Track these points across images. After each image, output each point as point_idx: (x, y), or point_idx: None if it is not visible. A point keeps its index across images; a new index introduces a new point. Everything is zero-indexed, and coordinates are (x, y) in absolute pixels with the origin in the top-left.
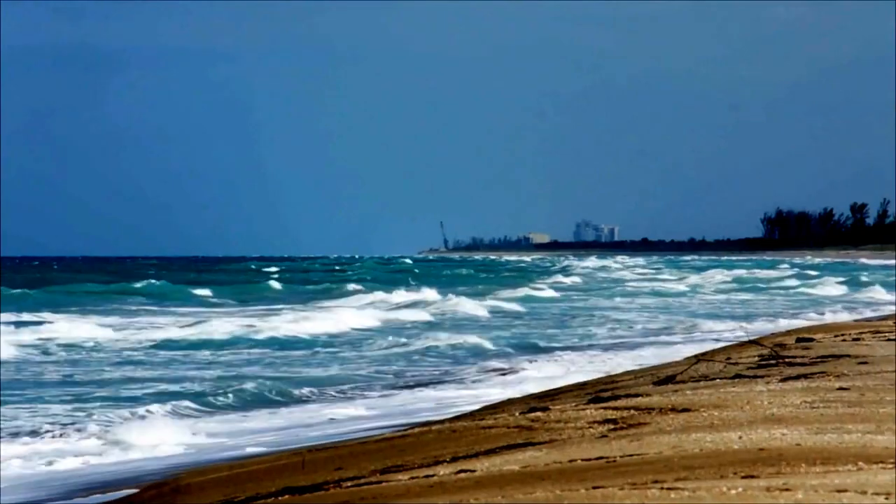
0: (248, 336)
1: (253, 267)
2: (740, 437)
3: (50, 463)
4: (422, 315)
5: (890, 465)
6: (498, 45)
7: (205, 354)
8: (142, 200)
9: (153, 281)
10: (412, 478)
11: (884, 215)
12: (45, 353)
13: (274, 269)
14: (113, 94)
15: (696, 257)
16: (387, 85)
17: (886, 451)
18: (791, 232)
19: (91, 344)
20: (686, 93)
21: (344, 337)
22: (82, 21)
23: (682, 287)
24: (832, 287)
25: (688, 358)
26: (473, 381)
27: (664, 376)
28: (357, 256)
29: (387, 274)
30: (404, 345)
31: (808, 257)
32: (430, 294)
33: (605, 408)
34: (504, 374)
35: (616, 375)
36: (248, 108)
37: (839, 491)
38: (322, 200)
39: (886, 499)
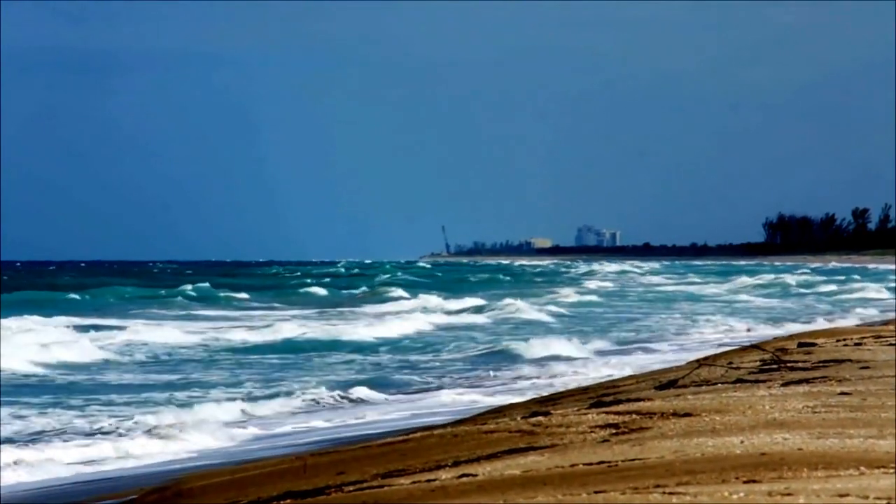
0: (340, 339)
1: (279, 271)
2: (742, 442)
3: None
4: (481, 318)
5: (892, 470)
6: (499, 47)
7: (310, 356)
8: (142, 203)
9: (200, 285)
10: (414, 482)
11: (886, 220)
12: (153, 356)
13: (299, 273)
14: (114, 96)
15: (708, 262)
16: (388, 88)
17: (888, 456)
18: (793, 237)
19: (187, 347)
20: (688, 96)
21: (422, 339)
22: (84, 23)
23: (719, 290)
24: (875, 292)
25: (689, 363)
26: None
27: (666, 381)
28: (368, 262)
29: (417, 279)
30: (492, 343)
31: (832, 263)
32: (473, 299)
33: (606, 412)
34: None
35: (618, 380)
36: (248, 111)
37: (841, 496)
38: (322, 205)
39: (888, 503)
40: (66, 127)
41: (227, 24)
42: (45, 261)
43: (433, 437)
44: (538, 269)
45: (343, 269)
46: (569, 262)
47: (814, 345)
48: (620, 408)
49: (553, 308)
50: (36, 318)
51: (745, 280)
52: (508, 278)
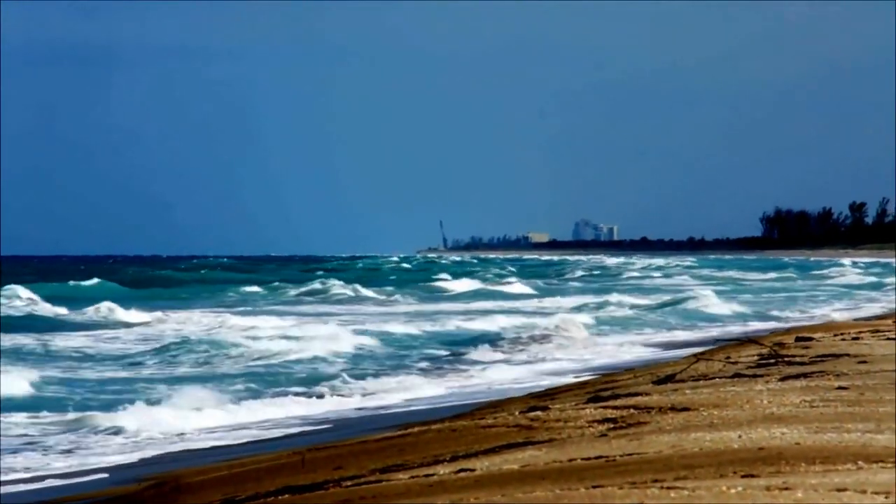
0: (463, 330)
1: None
2: (740, 437)
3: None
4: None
5: (889, 464)
6: (497, 43)
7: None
8: (142, 198)
9: (335, 281)
10: (412, 477)
11: (883, 214)
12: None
13: (322, 270)
14: (114, 91)
15: (719, 256)
16: (386, 83)
17: (886, 451)
18: (790, 231)
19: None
20: (685, 91)
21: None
22: (85, 19)
23: (775, 284)
24: None
25: (687, 357)
26: None
27: (664, 375)
28: (382, 256)
29: (456, 274)
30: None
31: (853, 258)
32: (619, 296)
33: (604, 407)
34: None
35: (616, 374)
36: (246, 107)
37: (839, 490)
38: (320, 199)
39: (886, 498)
40: (66, 121)
41: (227, 19)
42: (45, 255)
43: (431, 431)
44: (569, 265)
45: (409, 265)
46: (587, 257)
47: (811, 339)
48: (618, 402)
49: (646, 301)
50: (273, 319)
51: (783, 274)
52: (581, 273)
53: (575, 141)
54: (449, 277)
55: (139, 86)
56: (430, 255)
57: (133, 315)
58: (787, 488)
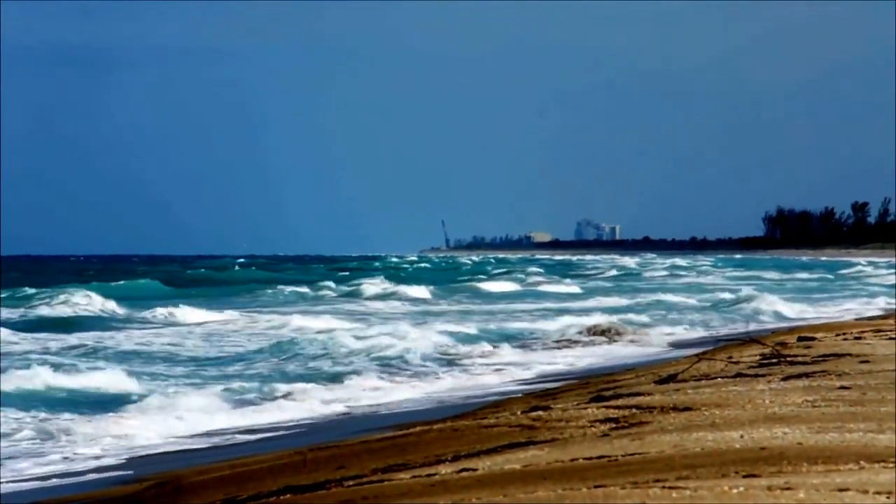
0: (537, 329)
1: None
2: (742, 436)
3: None
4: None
5: (892, 464)
6: (499, 43)
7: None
8: (141, 198)
9: (374, 279)
10: (414, 476)
11: (885, 214)
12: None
13: (346, 270)
14: (114, 91)
15: (729, 256)
16: (388, 83)
17: (888, 450)
18: (792, 231)
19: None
20: (687, 91)
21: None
22: (84, 20)
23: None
24: None
25: (689, 357)
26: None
27: (666, 375)
28: (397, 257)
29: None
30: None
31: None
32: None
33: (606, 406)
34: None
35: (617, 374)
36: (248, 107)
37: (841, 490)
38: (322, 199)
39: (888, 498)
40: (66, 122)
41: (228, 20)
42: (46, 255)
43: (433, 431)
44: (589, 265)
45: (428, 264)
46: (598, 257)
47: (813, 339)
48: (620, 402)
49: (699, 298)
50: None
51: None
52: (615, 272)
53: (576, 141)
54: (484, 277)
55: (139, 86)
56: (439, 255)
57: (201, 314)
58: (788, 488)
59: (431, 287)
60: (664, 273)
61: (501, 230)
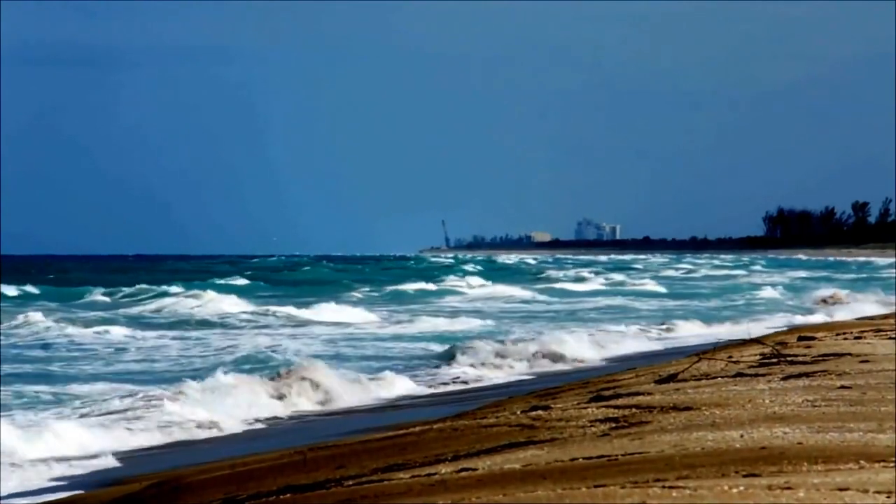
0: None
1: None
2: (742, 436)
3: None
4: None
5: (892, 464)
6: (499, 43)
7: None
8: (145, 199)
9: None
10: (414, 476)
11: (885, 214)
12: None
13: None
14: (115, 91)
15: (737, 255)
16: (389, 83)
17: (888, 450)
18: (793, 230)
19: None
20: (687, 91)
21: None
22: (90, 18)
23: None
24: None
25: (689, 356)
26: None
27: (666, 375)
28: (412, 255)
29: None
30: None
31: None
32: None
33: (606, 406)
34: None
35: (617, 374)
36: (252, 107)
37: (841, 489)
38: (322, 198)
39: (888, 497)
40: (70, 121)
41: (232, 19)
42: (48, 255)
43: (432, 430)
44: (610, 265)
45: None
46: (606, 258)
47: (814, 338)
48: (620, 402)
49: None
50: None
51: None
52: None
53: (576, 141)
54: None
55: (139, 85)
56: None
57: (346, 313)
58: (789, 488)
59: (525, 285)
60: (712, 272)
61: (501, 230)
